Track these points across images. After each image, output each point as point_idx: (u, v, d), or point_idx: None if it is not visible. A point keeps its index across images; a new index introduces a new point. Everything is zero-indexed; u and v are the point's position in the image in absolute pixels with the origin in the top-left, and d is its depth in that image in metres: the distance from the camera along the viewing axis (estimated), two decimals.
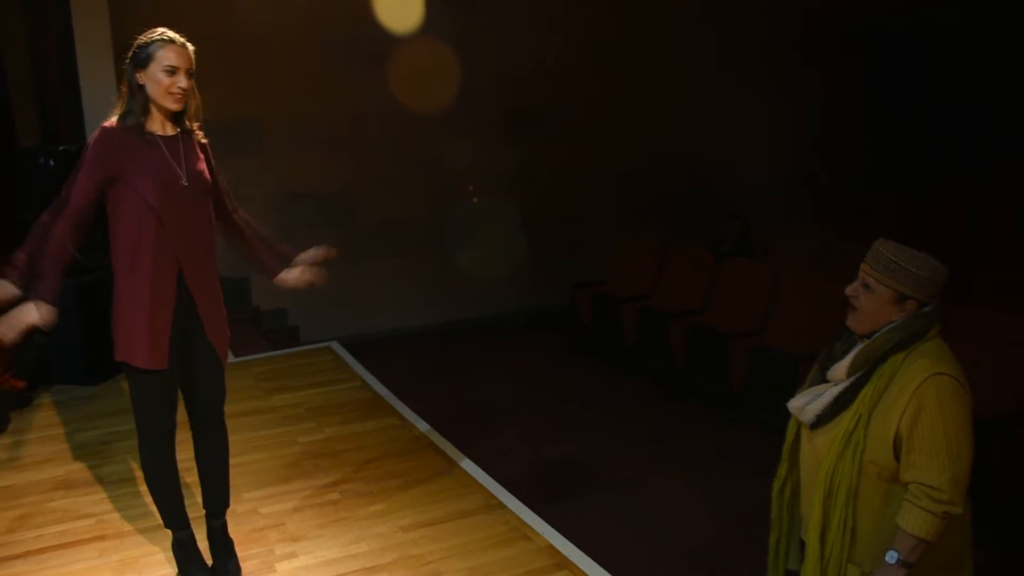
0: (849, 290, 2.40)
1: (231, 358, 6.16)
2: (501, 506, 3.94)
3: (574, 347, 7.59)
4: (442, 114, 8.18)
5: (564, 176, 8.93)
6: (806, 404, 2.45)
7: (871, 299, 2.34)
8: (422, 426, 4.87)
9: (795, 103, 9.78)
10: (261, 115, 7.67)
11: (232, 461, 4.40)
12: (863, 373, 2.34)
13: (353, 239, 8.09)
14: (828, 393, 2.40)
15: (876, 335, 2.35)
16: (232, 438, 4.69)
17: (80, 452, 4.64)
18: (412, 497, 4.06)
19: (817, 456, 2.41)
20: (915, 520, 2.20)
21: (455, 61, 8.11)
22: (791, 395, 2.55)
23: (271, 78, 7.61)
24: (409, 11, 7.87)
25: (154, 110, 3.08)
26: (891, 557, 2.23)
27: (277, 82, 7.63)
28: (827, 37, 9.89)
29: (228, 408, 5.16)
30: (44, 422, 5.07)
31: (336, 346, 6.43)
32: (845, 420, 2.31)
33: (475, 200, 8.35)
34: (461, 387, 6.63)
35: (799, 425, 2.54)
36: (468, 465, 4.36)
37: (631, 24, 8.95)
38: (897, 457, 2.24)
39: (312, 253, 3.55)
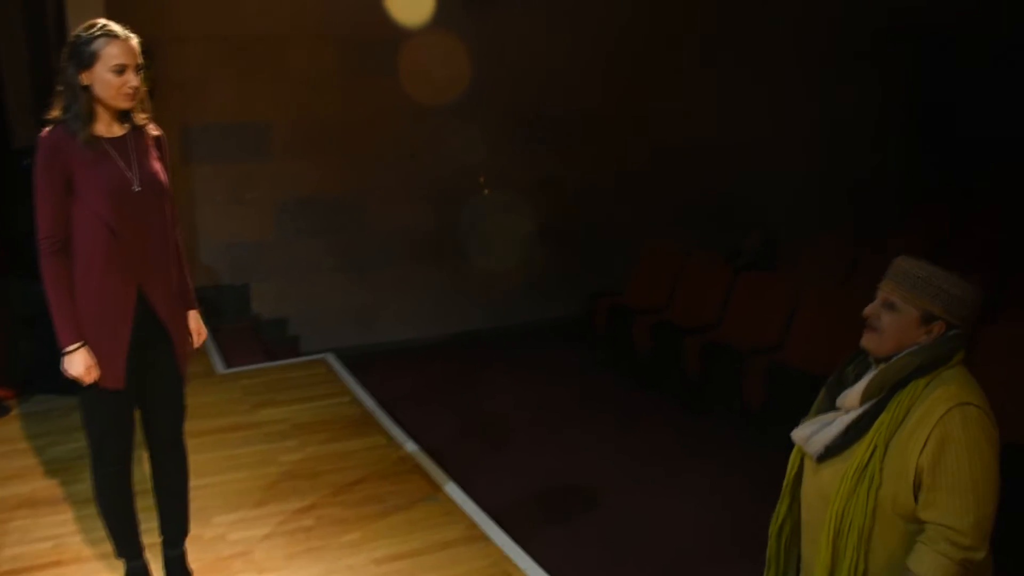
0: (868, 310, 2.14)
1: (221, 369, 5.95)
2: (484, 537, 3.65)
3: (587, 360, 7.27)
4: (456, 118, 7.92)
5: (584, 183, 8.60)
6: (813, 434, 2.19)
7: (895, 319, 2.09)
8: (410, 446, 4.58)
9: (831, 108, 9.37)
10: (269, 118, 7.44)
11: (206, 481, 4.20)
12: (878, 400, 2.08)
13: (361, 247, 7.87)
14: (839, 421, 2.14)
15: (895, 358, 2.09)
16: (209, 456, 4.52)
17: (50, 467, 4.41)
18: (390, 525, 3.77)
19: (823, 492, 2.15)
20: (929, 564, 1.95)
21: (471, 64, 7.84)
22: (799, 414, 2.31)
23: (280, 81, 7.39)
24: (425, 12, 7.64)
25: (100, 111, 2.82)
26: None
27: (286, 85, 7.41)
28: (867, 39, 9.48)
29: (211, 423, 4.98)
30: (19, 434, 4.85)
31: (331, 358, 6.16)
32: (858, 452, 2.06)
33: (487, 191, 8.04)
34: (465, 402, 6.34)
35: (802, 457, 2.28)
36: (453, 490, 4.07)
37: (655, 29, 8.61)
38: (916, 494, 2.00)
39: (195, 325, 3.21)
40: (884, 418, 2.04)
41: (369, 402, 5.27)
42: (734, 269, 6.70)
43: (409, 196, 7.95)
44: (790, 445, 2.29)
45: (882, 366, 2.09)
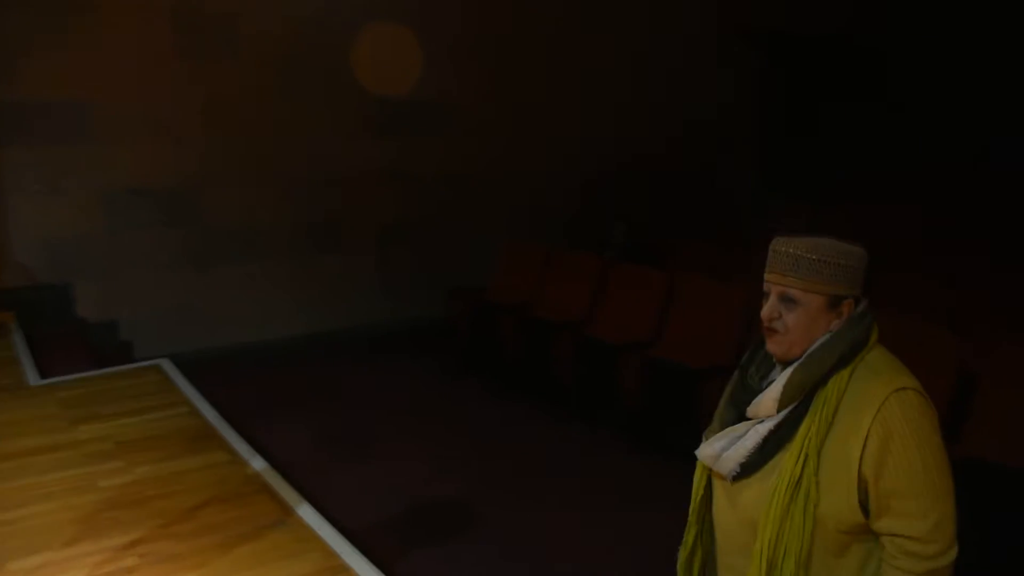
0: (767, 312, 1.82)
1: (35, 380, 5.18)
2: (344, 568, 3.17)
3: (451, 363, 6.85)
4: (304, 104, 7.36)
5: (443, 176, 8.19)
6: (723, 450, 1.86)
7: (800, 314, 1.78)
8: (256, 463, 4.03)
9: (692, 106, 9.34)
10: (89, 97, 6.62)
11: (4, 516, 3.53)
12: (798, 402, 1.78)
13: (199, 242, 7.15)
14: (753, 433, 1.82)
15: (808, 353, 1.78)
16: (11, 485, 3.82)
17: None
18: (233, 560, 3.23)
19: (744, 515, 1.83)
20: None
21: (321, 45, 7.30)
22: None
23: (101, 54, 6.58)
24: None
25: None
26: None
27: (109, 60, 6.60)
28: (731, 40, 9.52)
29: (17, 443, 4.25)
30: None
31: (167, 364, 5.50)
32: (786, 465, 1.74)
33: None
34: (320, 411, 5.80)
35: (709, 476, 1.95)
36: (307, 512, 3.56)
37: (521, 19, 8.29)
38: (862, 504, 1.72)
39: None
40: (810, 422, 1.74)
41: (210, 413, 4.66)
42: (604, 261, 6.45)
43: (253, 185, 7.30)
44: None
45: (796, 365, 1.79)
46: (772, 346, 1.83)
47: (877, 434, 1.69)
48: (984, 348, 3.98)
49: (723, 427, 1.89)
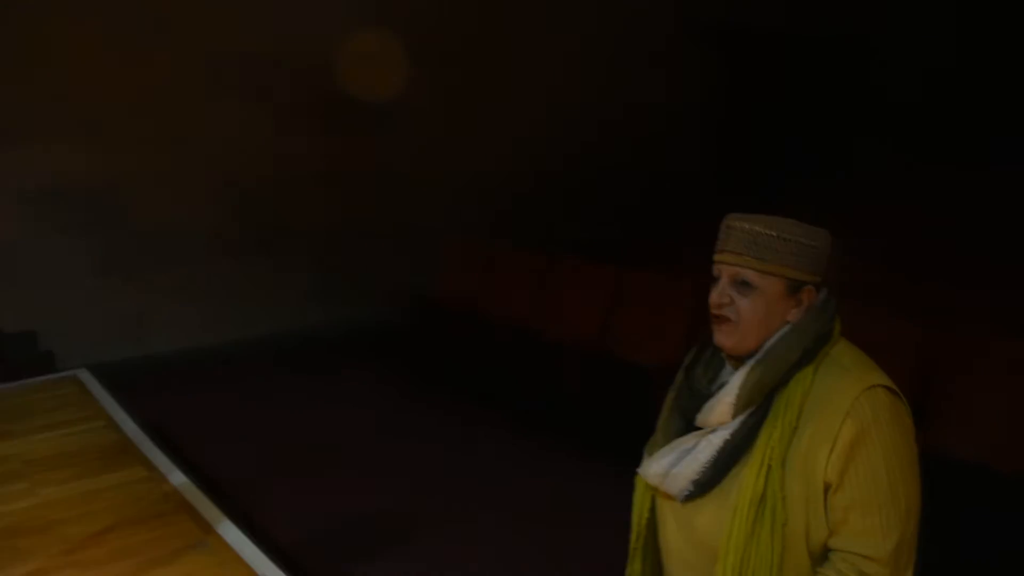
0: (716, 297, 1.60)
1: None
2: None
3: (392, 367, 6.57)
4: (237, 100, 7.03)
5: (385, 175, 7.91)
6: (671, 466, 1.62)
7: (755, 301, 1.57)
8: (175, 478, 3.72)
9: (648, 104, 9.16)
10: (5, 92, 6.23)
11: None
12: (756, 406, 1.56)
13: (124, 245, 6.79)
14: (706, 444, 1.59)
15: (767, 349, 1.57)
16: None
17: None
18: None
19: (700, 540, 1.61)
20: None
21: (255, 37, 6.98)
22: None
23: (13, 44, 6.20)
24: None
25: None
26: None
27: (23, 50, 6.23)
28: (681, 37, 9.39)
29: None
30: None
31: (85, 375, 5.14)
32: (746, 480, 1.52)
33: None
34: (253, 422, 5.51)
35: (653, 497, 1.71)
36: (230, 532, 3.27)
37: (461, 16, 8.05)
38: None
39: None
40: (771, 428, 1.53)
41: (129, 426, 4.32)
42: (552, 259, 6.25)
43: (182, 186, 6.97)
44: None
45: (754, 361, 1.58)
46: (721, 337, 1.61)
47: (845, 439, 1.48)
48: (983, 347, 3.85)
49: (668, 440, 1.65)
